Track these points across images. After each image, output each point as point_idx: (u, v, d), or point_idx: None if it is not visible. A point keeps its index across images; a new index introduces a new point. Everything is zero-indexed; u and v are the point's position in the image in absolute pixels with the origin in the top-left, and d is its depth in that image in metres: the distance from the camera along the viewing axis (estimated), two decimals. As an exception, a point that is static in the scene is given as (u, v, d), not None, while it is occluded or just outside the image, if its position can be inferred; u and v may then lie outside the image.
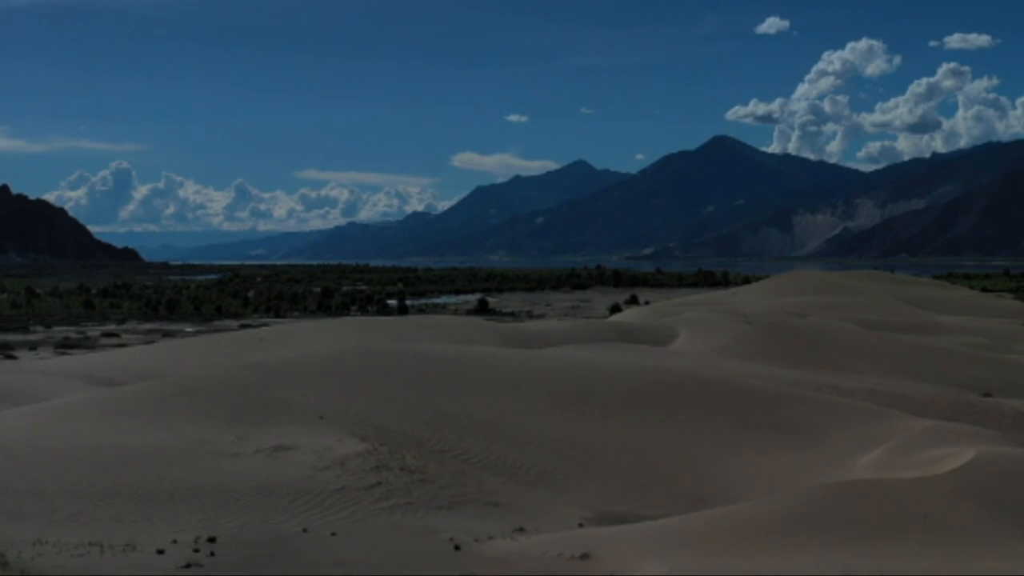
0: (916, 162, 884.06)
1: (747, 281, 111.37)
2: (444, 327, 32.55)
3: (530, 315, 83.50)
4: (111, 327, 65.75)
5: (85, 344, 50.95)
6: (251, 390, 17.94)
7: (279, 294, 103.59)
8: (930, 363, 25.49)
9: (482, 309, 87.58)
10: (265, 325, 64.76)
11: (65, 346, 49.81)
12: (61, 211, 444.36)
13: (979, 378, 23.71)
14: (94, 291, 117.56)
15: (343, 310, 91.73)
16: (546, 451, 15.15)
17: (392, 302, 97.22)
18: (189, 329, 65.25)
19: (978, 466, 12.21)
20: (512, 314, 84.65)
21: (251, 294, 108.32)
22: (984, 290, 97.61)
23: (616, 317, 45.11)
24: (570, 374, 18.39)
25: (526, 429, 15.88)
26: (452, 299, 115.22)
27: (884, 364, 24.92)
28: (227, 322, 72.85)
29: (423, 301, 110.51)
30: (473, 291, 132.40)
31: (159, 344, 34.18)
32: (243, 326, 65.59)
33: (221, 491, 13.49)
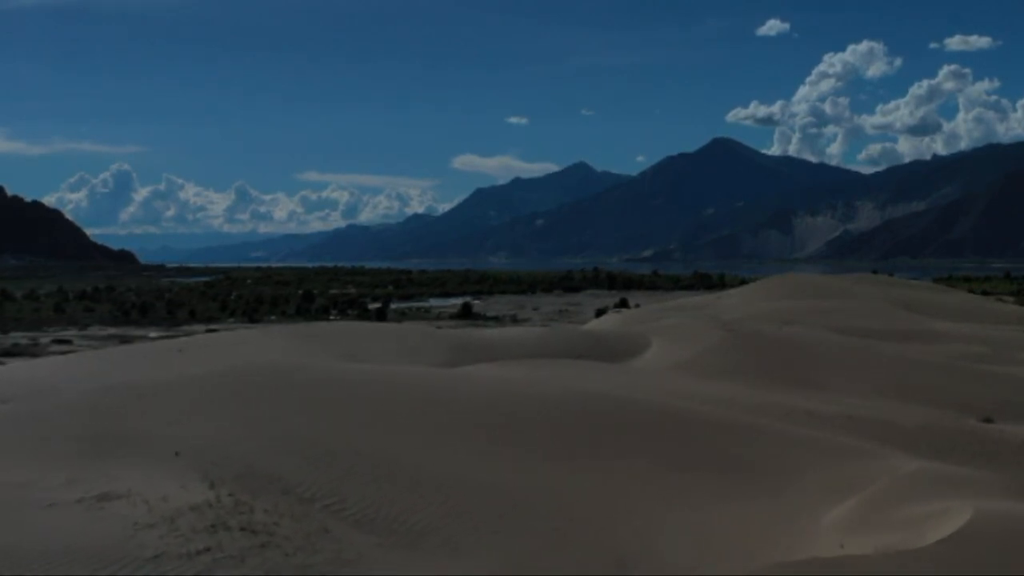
0: (916, 164, 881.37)
1: (743, 283, 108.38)
2: (392, 336, 29.66)
3: (514, 319, 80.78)
4: (71, 332, 62.96)
5: (31, 351, 48.17)
6: (111, 417, 15.02)
7: (259, 297, 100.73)
8: (922, 379, 22.51)
9: (465, 313, 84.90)
10: (233, 330, 61.96)
11: (9, 354, 47.03)
12: (58, 213, 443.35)
13: (978, 398, 20.76)
14: (71, 294, 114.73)
15: (323, 314, 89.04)
16: (442, 499, 12.22)
17: (374, 305, 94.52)
18: (152, 335, 62.43)
19: (975, 533, 9.33)
20: (495, 318, 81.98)
21: (233, 297, 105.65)
22: (984, 293, 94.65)
23: (591, 324, 42.29)
24: (499, 401, 15.46)
25: (426, 470, 12.96)
26: (440, 302, 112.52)
27: (869, 381, 21.97)
28: (196, 327, 70.07)
29: (409, 304, 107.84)
30: (463, 293, 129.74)
31: (82, 354, 31.35)
32: (209, 331, 62.86)
33: (10, 559, 10.57)
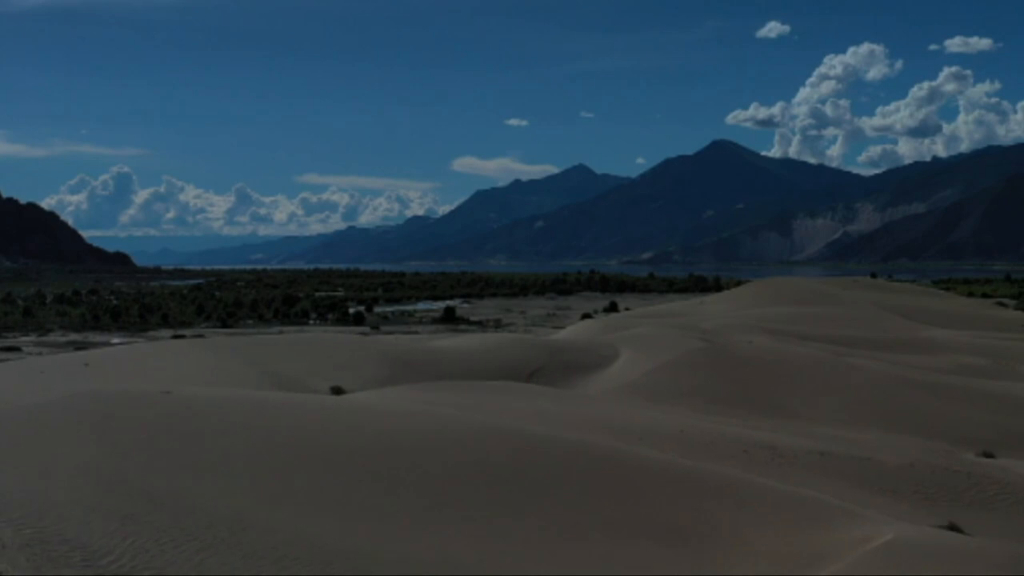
0: (917, 166, 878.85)
1: (739, 285, 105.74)
2: (330, 349, 26.92)
3: (498, 324, 78.14)
4: (28, 339, 60.24)
5: (-26, 360, 45.43)
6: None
7: (237, 301, 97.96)
8: (911, 402, 19.69)
9: (448, 317, 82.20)
10: (200, 336, 59.51)
11: (-51, 362, 44.26)
12: (52, 215, 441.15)
13: (976, 425, 17.98)
14: (50, 298, 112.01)
15: (303, 318, 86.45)
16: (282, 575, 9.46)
17: (355, 310, 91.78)
18: (115, 341, 59.76)
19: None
20: (479, 323, 79.32)
21: (214, 300, 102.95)
22: (984, 296, 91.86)
23: (564, 332, 39.62)
24: (385, 443, 12.58)
25: (273, 535, 10.22)
26: (428, 305, 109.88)
27: (849, 405, 19.16)
28: (163, 332, 67.40)
29: (394, 308, 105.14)
30: (453, 297, 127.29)
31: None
32: (175, 337, 60.28)
33: None
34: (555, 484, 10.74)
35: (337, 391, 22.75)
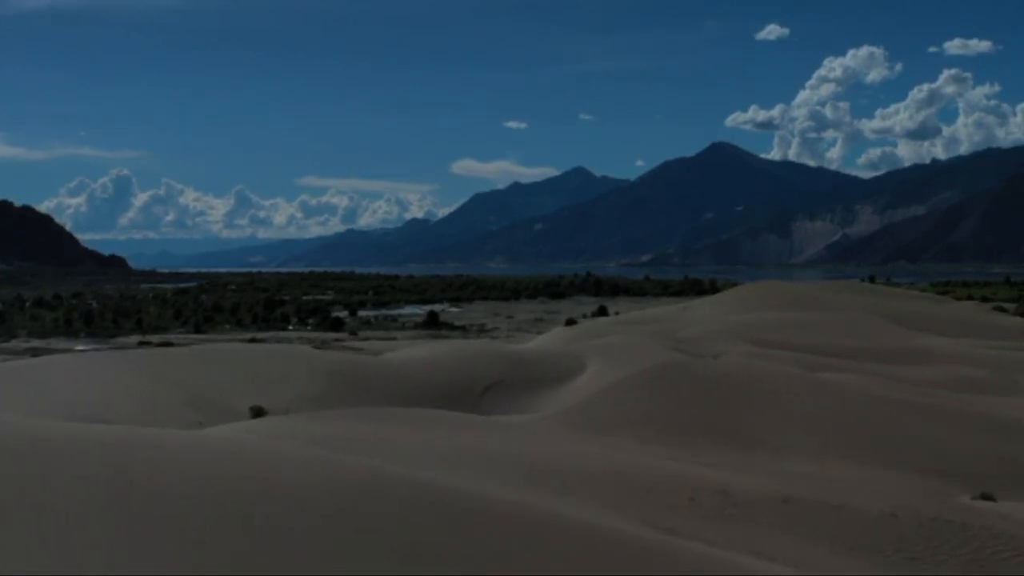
0: (916, 168, 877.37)
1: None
2: (269, 362, 24.56)
3: (482, 329, 75.93)
4: (-12, 345, 57.96)
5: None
6: None
7: (217, 305, 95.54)
8: (899, 428, 17.28)
9: (431, 322, 79.87)
10: (168, 343, 57.29)
11: None
12: (48, 218, 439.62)
13: (973, 456, 15.56)
14: (29, 301, 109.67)
15: (283, 322, 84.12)
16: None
17: (339, 314, 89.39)
18: (79, 347, 57.44)
19: None
20: (462, 328, 77.08)
21: (196, 304, 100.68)
22: (984, 299, 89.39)
23: (536, 340, 37.29)
24: (247, 489, 10.15)
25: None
26: (416, 309, 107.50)
27: (825, 432, 16.73)
28: (132, 338, 65.03)
29: (380, 312, 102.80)
30: (443, 300, 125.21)
31: None
32: (141, 343, 58.00)
33: None
34: (419, 558, 8.30)
35: (258, 412, 20.45)
